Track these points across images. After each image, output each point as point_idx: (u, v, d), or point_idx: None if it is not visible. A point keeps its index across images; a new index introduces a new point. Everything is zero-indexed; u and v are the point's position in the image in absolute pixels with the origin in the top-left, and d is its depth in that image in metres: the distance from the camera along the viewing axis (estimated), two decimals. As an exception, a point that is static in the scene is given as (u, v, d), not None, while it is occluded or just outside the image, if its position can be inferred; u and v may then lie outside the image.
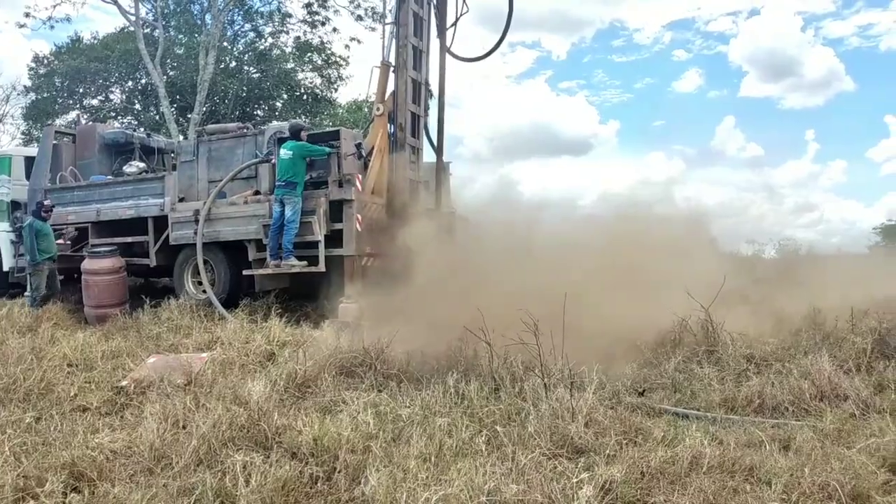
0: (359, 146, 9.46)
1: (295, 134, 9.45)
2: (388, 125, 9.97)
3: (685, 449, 4.04)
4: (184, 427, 4.86)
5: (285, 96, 25.47)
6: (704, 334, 7.64)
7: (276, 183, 9.33)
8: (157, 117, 22.92)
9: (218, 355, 7.02)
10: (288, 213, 9.13)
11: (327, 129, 11.96)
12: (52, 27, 22.31)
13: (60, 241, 10.97)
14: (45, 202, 10.63)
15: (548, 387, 4.89)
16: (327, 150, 9.32)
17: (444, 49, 10.61)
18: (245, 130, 11.11)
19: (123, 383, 6.39)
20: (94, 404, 5.75)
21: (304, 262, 9.28)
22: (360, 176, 9.30)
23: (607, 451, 4.21)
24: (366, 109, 24.63)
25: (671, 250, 9.88)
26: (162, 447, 4.40)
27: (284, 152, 9.27)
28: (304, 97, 25.23)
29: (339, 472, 3.80)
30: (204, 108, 20.94)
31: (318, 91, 25.39)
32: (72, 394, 6.03)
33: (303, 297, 10.77)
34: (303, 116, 22.34)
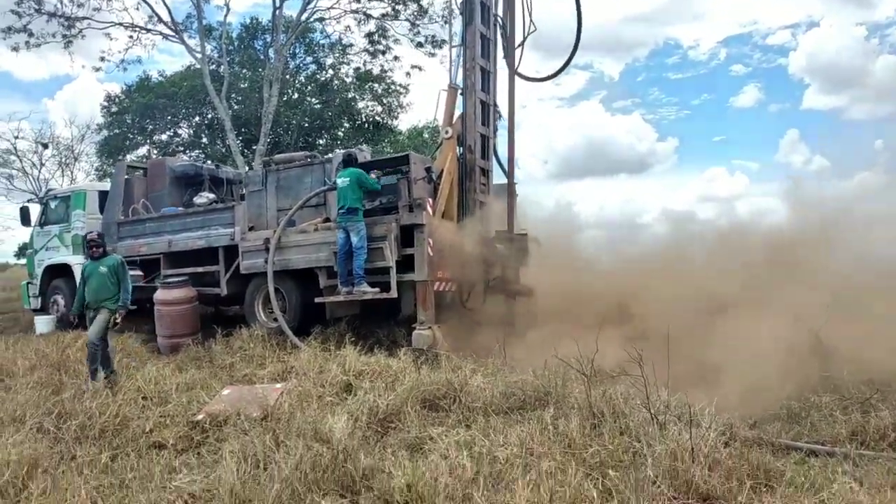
0: (429, 170, 9.19)
1: (350, 161, 9.29)
2: (457, 148, 9.68)
3: (835, 497, 3.48)
4: (264, 468, 4.57)
5: (347, 125, 25.65)
6: (818, 358, 7.01)
7: (338, 210, 9.16)
8: (224, 150, 23.37)
9: (293, 386, 6.75)
10: (354, 239, 8.91)
11: (396, 155, 11.77)
12: (124, 69, 23.09)
13: (134, 272, 11.05)
14: (91, 234, 8.13)
15: (661, 423, 4.38)
16: (378, 184, 9.14)
17: (512, 69, 10.29)
18: (312, 159, 11.01)
19: (199, 417, 6.17)
20: (171, 441, 5.52)
21: (377, 289, 9.02)
22: (430, 200, 9.01)
23: (740, 500, 3.69)
24: (426, 135, 24.63)
25: (773, 268, 9.21)
26: (243, 491, 4.10)
27: (342, 180, 9.10)
28: (366, 125, 25.36)
29: (438, 522, 3.41)
30: (268, 140, 21.19)
31: (379, 119, 25.50)
32: (147, 429, 5.83)
33: (374, 324, 10.51)
34: (364, 145, 22.44)
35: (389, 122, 25.78)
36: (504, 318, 9.19)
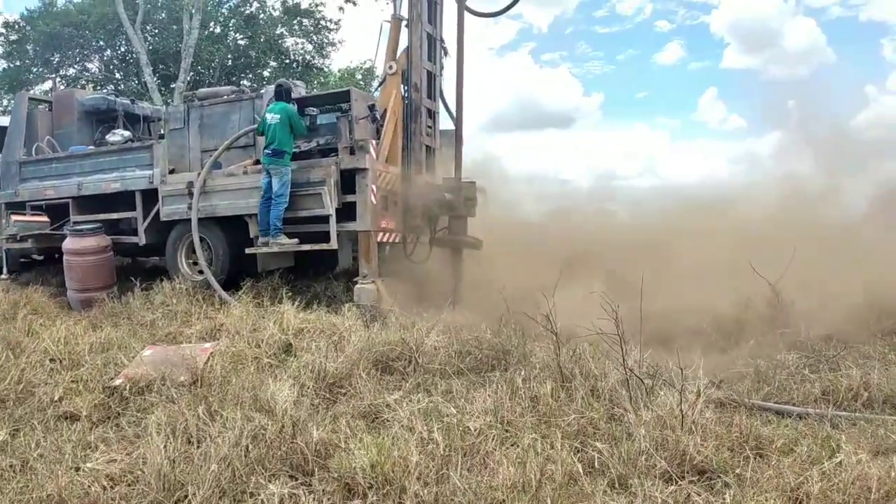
0: (372, 108, 8.45)
1: (282, 95, 8.45)
2: (402, 86, 8.96)
3: (842, 469, 3.18)
4: (197, 444, 3.96)
5: (273, 64, 24.10)
6: (773, 314, 6.87)
7: (264, 150, 8.36)
8: (139, 87, 21.56)
9: (225, 347, 6.09)
10: (275, 185, 8.16)
11: (336, 90, 10.89)
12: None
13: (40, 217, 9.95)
14: None
15: (648, 388, 4.00)
16: (306, 129, 8.41)
17: (461, 1, 9.55)
18: (240, 94, 10.05)
19: (117, 382, 5.45)
20: (84, 411, 4.80)
21: (296, 240, 8.32)
22: (373, 142, 8.32)
23: (737, 471, 3.36)
24: (359, 76, 23.50)
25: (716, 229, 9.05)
26: (172, 472, 3.50)
27: (271, 116, 8.28)
28: (294, 64, 23.90)
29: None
30: (188, 77, 19.65)
31: (308, 58, 24.10)
32: (56, 397, 5.09)
33: (310, 278, 9.85)
34: (299, 81, 21.17)
35: (320, 61, 24.43)
36: (451, 273, 8.69)
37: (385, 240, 8.57)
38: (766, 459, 3.57)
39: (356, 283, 8.17)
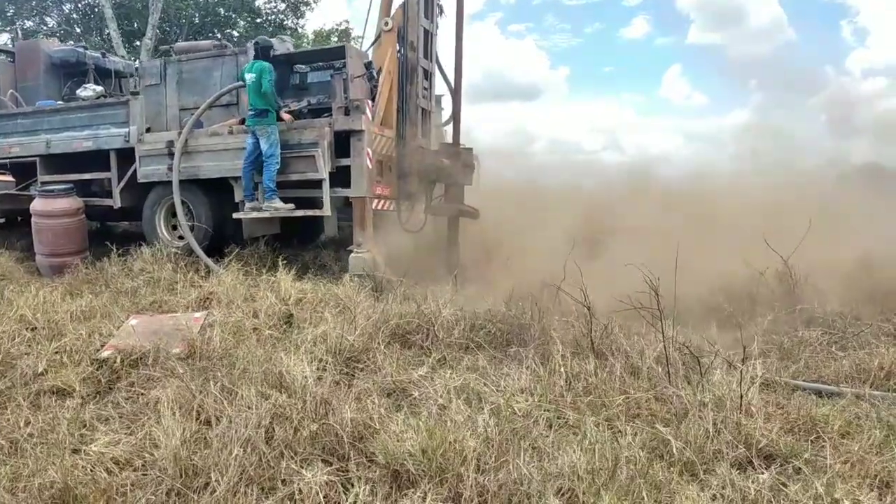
0: (369, 66, 8.00)
1: (261, 53, 7.97)
2: (397, 44, 8.50)
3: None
4: (207, 422, 3.60)
5: (243, 23, 23.15)
6: (786, 290, 6.71)
7: (247, 111, 7.93)
8: (102, 43, 20.44)
9: (221, 317, 5.67)
10: (264, 146, 7.72)
11: (329, 46, 10.32)
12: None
13: (4, 177, 9.28)
14: None
15: (704, 367, 3.75)
16: (271, 88, 7.76)
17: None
18: (222, 49, 9.46)
19: (105, 354, 5.01)
20: (73, 385, 4.38)
21: (291, 205, 7.90)
22: (369, 102, 7.87)
23: (805, 456, 3.14)
24: (334, 39, 22.71)
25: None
26: (189, 458, 3.14)
27: (249, 76, 7.83)
28: (266, 24, 22.97)
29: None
30: (155, 34, 18.67)
31: (281, 17, 23.15)
32: (39, 370, 4.64)
33: (297, 246, 9.42)
34: (287, 35, 20.31)
35: (293, 21, 23.51)
36: (448, 242, 8.35)
37: (380, 207, 8.19)
38: (826, 442, 3.36)
39: (351, 251, 7.78)
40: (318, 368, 4.06)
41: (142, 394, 4.19)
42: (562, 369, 3.83)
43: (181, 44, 10.23)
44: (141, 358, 4.84)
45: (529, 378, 3.89)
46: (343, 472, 3.04)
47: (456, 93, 8.69)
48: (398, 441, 2.96)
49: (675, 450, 3.05)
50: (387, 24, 8.36)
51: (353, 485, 2.84)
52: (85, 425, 3.80)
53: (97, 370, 4.74)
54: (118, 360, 4.83)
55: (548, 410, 3.40)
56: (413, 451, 2.86)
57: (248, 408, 3.52)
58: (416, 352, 4.64)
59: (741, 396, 3.42)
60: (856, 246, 7.66)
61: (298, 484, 2.89)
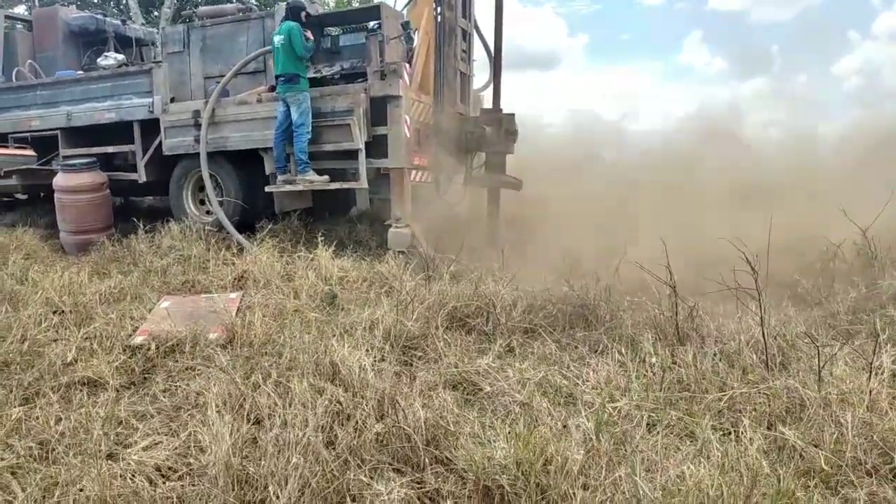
0: (406, 26, 7.45)
1: (290, 13, 7.46)
2: (433, 3, 7.94)
3: None
4: (257, 421, 3.21)
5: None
6: (863, 264, 6.18)
7: (276, 78, 7.44)
8: (119, 11, 19.96)
9: (261, 298, 5.29)
10: (294, 114, 7.26)
11: (363, 6, 9.76)
12: None
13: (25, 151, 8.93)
14: None
15: (828, 358, 3.26)
16: (305, 48, 7.31)
17: None
18: (247, 13, 8.95)
19: (138, 340, 4.65)
20: (106, 377, 4.01)
21: (326, 177, 7.46)
22: (406, 66, 7.36)
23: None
24: (356, 2, 21.97)
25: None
26: (242, 466, 2.75)
27: (278, 38, 7.35)
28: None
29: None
30: (175, 2, 18.13)
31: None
32: (69, 359, 4.28)
33: (327, 220, 8.99)
34: None
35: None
36: (488, 215, 7.87)
37: (418, 179, 7.72)
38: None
39: (389, 225, 7.35)
40: (374, 358, 3.64)
41: (181, 386, 3.82)
42: (653, 359, 3.37)
43: (204, 8, 9.72)
44: (177, 344, 4.48)
45: (615, 370, 3.44)
46: (418, 483, 2.63)
47: (497, 54, 8.11)
48: (482, 448, 2.53)
49: (806, 457, 2.59)
50: (423, -19, 7.80)
51: (435, 503, 2.43)
52: (121, 423, 3.43)
53: (130, 358, 4.38)
54: (153, 347, 4.47)
55: (647, 410, 2.95)
56: (505, 464, 2.43)
57: (303, 405, 3.12)
58: (478, 337, 4.21)
59: (870, 391, 2.95)
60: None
61: (371, 499, 2.50)
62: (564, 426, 2.73)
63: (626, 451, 2.55)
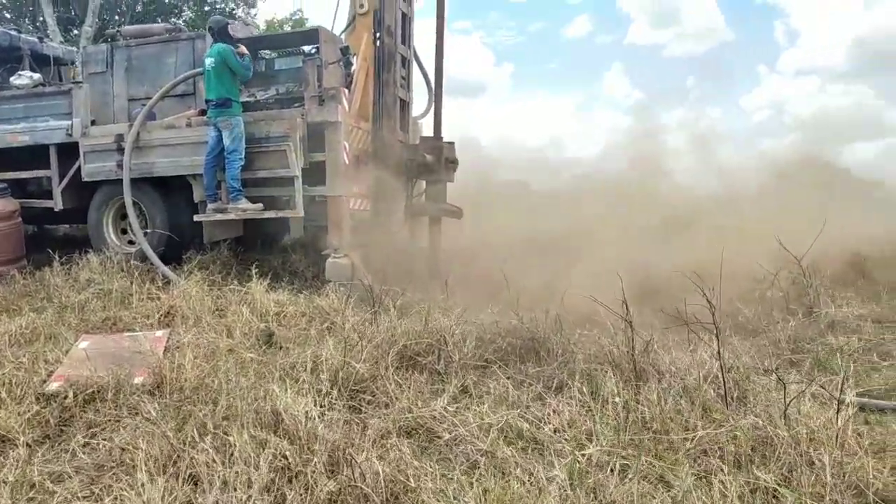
0: (345, 51, 7.27)
1: (218, 34, 7.21)
2: (373, 29, 7.79)
3: None
4: (193, 480, 2.89)
5: (190, 13, 21.91)
6: (798, 292, 6.31)
7: (207, 102, 7.17)
8: (36, 30, 18.98)
9: (188, 337, 4.91)
10: (226, 140, 6.97)
11: (301, 29, 9.49)
12: None
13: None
14: None
15: (792, 394, 3.19)
16: (247, 68, 7.13)
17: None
18: (178, 33, 8.57)
19: (53, 387, 4.20)
20: (16, 431, 3.58)
21: (260, 205, 7.17)
22: (345, 91, 7.16)
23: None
24: (287, 28, 21.70)
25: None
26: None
27: (209, 61, 7.09)
28: (214, 13, 21.75)
29: None
30: (96, 21, 17.36)
31: (231, 6, 21.96)
32: (-28, 411, 3.82)
33: (259, 250, 8.62)
34: (252, 9, 19.21)
35: (245, 10, 22.31)
36: (430, 245, 7.69)
37: (357, 208, 7.49)
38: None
39: (326, 255, 7.07)
40: (322, 405, 3.37)
41: (104, 441, 3.43)
42: (617, 399, 3.24)
43: (130, 27, 9.27)
44: (98, 391, 4.06)
45: (577, 410, 3.29)
46: (377, 549, 2.39)
47: (437, 81, 8.01)
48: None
49: (783, 501, 2.50)
50: (362, 6, 7.65)
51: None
52: (33, 486, 3.04)
53: (44, 408, 3.93)
54: (70, 395, 4.03)
55: (617, 456, 2.80)
56: (475, 526, 2.23)
57: (245, 462, 2.83)
58: (430, 377, 3.99)
59: (838, 431, 2.90)
60: (836, 243, 7.34)
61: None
62: (536, 479, 2.54)
63: (601, 503, 2.39)
